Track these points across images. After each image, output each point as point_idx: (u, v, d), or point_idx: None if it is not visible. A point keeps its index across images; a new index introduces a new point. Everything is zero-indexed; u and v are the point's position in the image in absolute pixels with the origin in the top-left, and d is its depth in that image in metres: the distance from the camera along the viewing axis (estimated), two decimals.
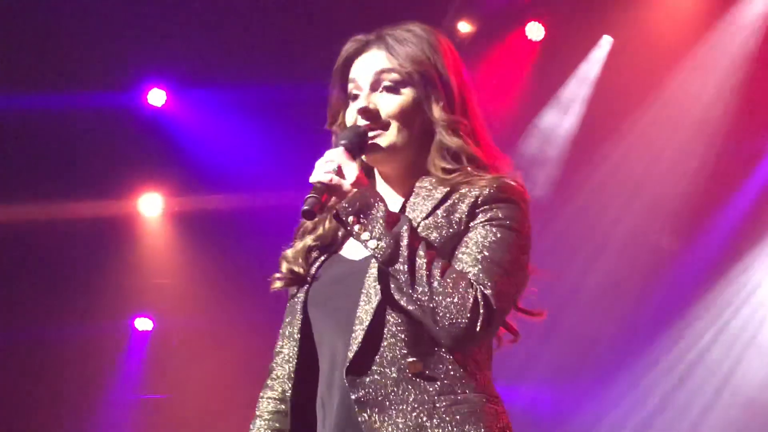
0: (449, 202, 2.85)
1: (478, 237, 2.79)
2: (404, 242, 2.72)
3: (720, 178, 8.39)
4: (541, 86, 8.40)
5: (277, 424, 3.02)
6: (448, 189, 2.86)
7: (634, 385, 8.65)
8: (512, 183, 2.86)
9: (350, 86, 2.98)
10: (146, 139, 8.05)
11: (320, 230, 3.02)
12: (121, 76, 7.90)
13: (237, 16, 7.89)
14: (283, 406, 3.02)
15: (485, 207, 2.82)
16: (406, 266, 2.70)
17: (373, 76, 2.95)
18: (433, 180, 2.90)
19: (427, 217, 2.84)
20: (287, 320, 3.01)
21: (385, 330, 2.77)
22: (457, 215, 2.83)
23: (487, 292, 2.71)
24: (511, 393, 7.32)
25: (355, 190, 2.78)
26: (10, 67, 7.65)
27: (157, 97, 8.11)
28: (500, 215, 2.81)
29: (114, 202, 8.10)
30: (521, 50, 8.27)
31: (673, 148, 8.41)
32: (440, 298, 2.68)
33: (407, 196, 2.93)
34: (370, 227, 2.74)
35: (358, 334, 2.77)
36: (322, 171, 2.81)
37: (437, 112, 2.92)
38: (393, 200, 2.95)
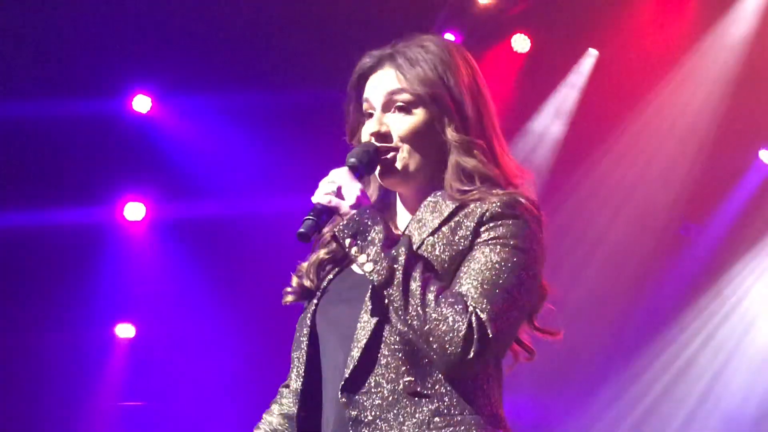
0: (456, 218, 2.82)
1: (480, 257, 2.76)
2: (399, 266, 2.70)
3: (706, 190, 8.44)
4: (527, 98, 8.42)
5: (278, 429, 3.07)
6: (457, 205, 2.84)
7: (617, 397, 8.66)
8: (520, 199, 2.82)
9: (364, 105, 2.98)
10: (131, 146, 8.03)
11: (334, 244, 3.00)
12: (106, 82, 7.88)
13: (222, 23, 7.88)
14: (283, 423, 3.07)
15: (490, 224, 2.79)
16: (399, 290, 2.69)
17: (385, 96, 2.93)
18: (444, 194, 2.88)
19: (432, 234, 2.82)
20: (297, 334, 3.00)
21: (383, 348, 2.76)
22: (462, 232, 2.80)
23: (483, 316, 2.67)
24: None
25: (353, 211, 2.78)
26: None
27: (142, 103, 8.10)
28: (505, 233, 2.78)
29: (97, 209, 8.08)
30: (507, 62, 8.29)
31: (659, 161, 8.45)
32: (432, 324, 2.66)
33: None
34: (366, 250, 2.73)
35: (355, 352, 2.76)
36: (322, 192, 2.81)
37: (450, 132, 2.89)
38: (407, 219, 2.94)
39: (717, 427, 8.53)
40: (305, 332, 2.94)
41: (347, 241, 2.75)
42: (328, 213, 2.79)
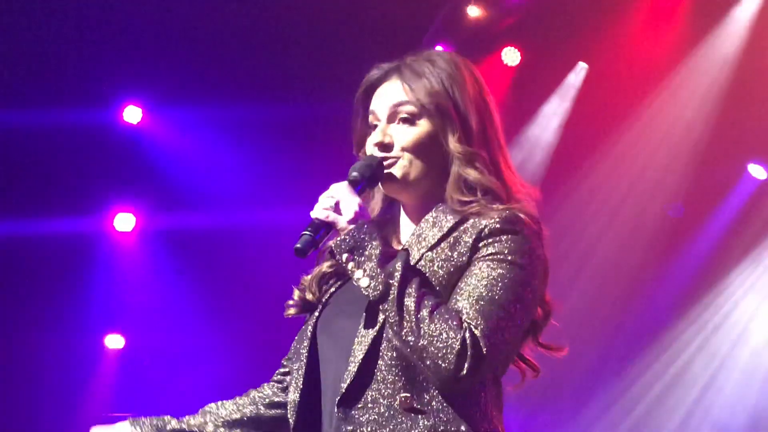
0: (455, 233, 2.82)
1: (477, 273, 2.75)
2: (395, 281, 2.70)
3: (696, 201, 8.47)
4: (517, 111, 8.44)
5: (245, 412, 3.15)
6: (458, 219, 2.84)
7: (608, 407, 8.67)
8: (520, 214, 2.82)
9: (370, 117, 2.99)
10: (121, 157, 8.03)
11: None
12: (97, 93, 7.89)
13: (213, 34, 7.89)
14: (252, 410, 3.14)
15: (489, 240, 2.79)
16: (394, 306, 2.69)
17: (390, 108, 2.94)
18: (447, 208, 2.89)
19: (431, 249, 2.82)
20: (296, 345, 3.02)
21: (380, 364, 2.76)
22: (461, 248, 2.80)
23: (478, 333, 2.67)
24: None
25: (351, 227, 2.78)
26: None
27: (132, 114, 8.10)
28: (503, 249, 2.77)
29: (87, 219, 8.07)
30: (497, 75, 8.31)
31: (650, 174, 8.47)
32: (426, 340, 2.66)
33: None
34: (363, 265, 2.74)
35: (352, 367, 2.77)
36: (321, 207, 2.81)
37: (453, 144, 2.90)
38: (411, 230, 2.95)
39: None
40: (305, 344, 2.94)
41: (344, 257, 2.76)
42: (326, 228, 2.80)
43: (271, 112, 7.98)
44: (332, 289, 2.99)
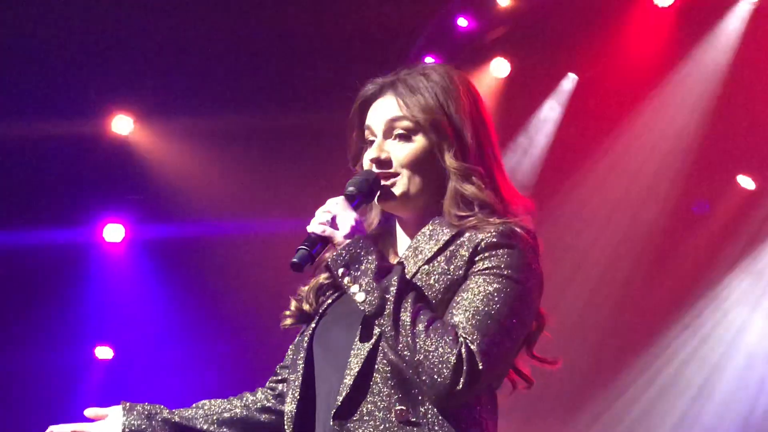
0: (452, 247, 2.83)
1: (473, 287, 2.76)
2: (391, 296, 2.71)
3: (687, 211, 8.50)
4: (506, 123, 8.44)
5: (236, 412, 3.18)
6: (455, 233, 2.85)
7: (599, 416, 8.68)
8: (516, 229, 2.83)
9: (366, 132, 2.99)
10: (111, 167, 8.02)
11: None
12: (87, 103, 7.88)
13: (203, 44, 7.89)
14: (243, 412, 3.17)
15: (485, 254, 2.80)
16: (390, 320, 2.70)
17: (386, 124, 2.95)
18: (443, 222, 2.90)
19: (428, 262, 2.83)
20: (292, 355, 3.03)
21: (375, 376, 2.76)
22: (458, 262, 2.81)
23: (474, 348, 2.68)
24: None
25: (347, 241, 2.79)
26: None
27: (122, 125, 8.09)
28: (499, 264, 2.78)
29: (77, 230, 8.06)
30: (486, 86, 8.32)
31: (639, 184, 8.49)
32: (422, 354, 2.67)
33: None
34: (359, 280, 2.74)
35: (348, 379, 2.77)
36: (317, 221, 2.82)
37: (449, 159, 2.91)
38: (407, 243, 2.95)
39: None
40: (302, 356, 2.94)
41: (340, 271, 2.76)
42: (322, 242, 2.81)
43: (260, 123, 7.98)
44: (329, 301, 3.00)
